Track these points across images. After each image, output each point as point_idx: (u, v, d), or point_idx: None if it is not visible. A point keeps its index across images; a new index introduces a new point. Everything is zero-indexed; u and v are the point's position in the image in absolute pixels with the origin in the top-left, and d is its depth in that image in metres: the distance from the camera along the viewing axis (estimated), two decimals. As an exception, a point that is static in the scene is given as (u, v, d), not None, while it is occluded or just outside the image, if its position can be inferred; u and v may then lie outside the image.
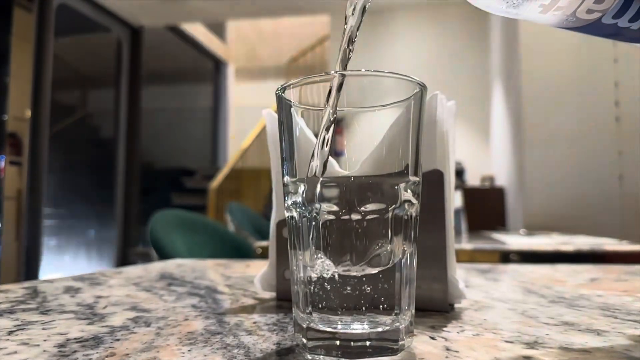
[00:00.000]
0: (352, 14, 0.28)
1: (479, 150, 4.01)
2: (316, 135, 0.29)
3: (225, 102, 6.65)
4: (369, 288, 0.26)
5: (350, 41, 0.28)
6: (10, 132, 3.27)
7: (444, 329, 0.34)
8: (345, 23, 0.28)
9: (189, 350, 0.28)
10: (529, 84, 2.62)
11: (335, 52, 4.52)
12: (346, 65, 0.28)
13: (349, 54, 0.28)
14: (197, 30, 5.73)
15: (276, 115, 0.32)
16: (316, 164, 0.27)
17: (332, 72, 0.27)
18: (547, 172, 2.55)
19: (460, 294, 0.40)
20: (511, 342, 0.30)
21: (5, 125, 3.24)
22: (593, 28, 0.26)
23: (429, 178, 0.39)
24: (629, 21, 0.25)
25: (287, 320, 0.37)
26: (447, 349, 0.29)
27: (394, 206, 0.27)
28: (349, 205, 0.26)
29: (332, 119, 0.27)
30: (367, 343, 0.26)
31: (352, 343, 0.26)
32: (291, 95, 0.29)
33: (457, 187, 2.07)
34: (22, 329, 0.33)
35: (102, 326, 0.34)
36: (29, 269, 3.39)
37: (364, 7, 0.28)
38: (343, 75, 0.27)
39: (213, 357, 0.27)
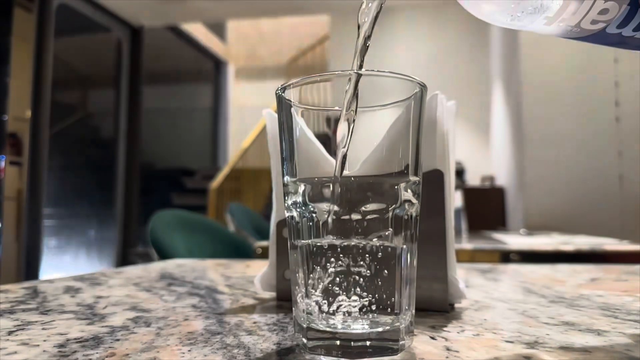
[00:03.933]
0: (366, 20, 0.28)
1: (479, 150, 4.01)
2: (316, 136, 0.29)
3: (225, 102, 6.64)
4: (369, 288, 0.26)
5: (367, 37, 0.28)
6: (11, 132, 3.27)
7: (444, 329, 0.34)
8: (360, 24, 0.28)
9: (189, 351, 0.28)
10: (529, 84, 2.62)
11: (335, 52, 4.52)
12: (363, 58, 0.28)
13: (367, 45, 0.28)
14: (197, 30, 5.73)
15: (276, 115, 0.32)
16: (339, 164, 0.27)
17: (338, 71, 0.27)
18: (547, 172, 2.55)
19: (461, 294, 0.40)
20: (511, 342, 0.30)
21: (5, 125, 3.24)
22: (597, 38, 0.26)
23: (429, 178, 0.39)
24: (634, 30, 0.25)
25: (287, 320, 0.37)
26: (448, 349, 0.29)
27: (394, 206, 0.27)
28: (349, 205, 0.26)
29: (351, 118, 0.27)
30: (367, 343, 0.26)
31: (352, 343, 0.26)
32: (291, 95, 0.29)
33: (457, 187, 2.06)
34: (22, 329, 0.33)
35: (102, 326, 0.34)
36: (29, 269, 3.39)
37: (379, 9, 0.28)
38: (359, 74, 0.27)
39: (213, 357, 0.27)
